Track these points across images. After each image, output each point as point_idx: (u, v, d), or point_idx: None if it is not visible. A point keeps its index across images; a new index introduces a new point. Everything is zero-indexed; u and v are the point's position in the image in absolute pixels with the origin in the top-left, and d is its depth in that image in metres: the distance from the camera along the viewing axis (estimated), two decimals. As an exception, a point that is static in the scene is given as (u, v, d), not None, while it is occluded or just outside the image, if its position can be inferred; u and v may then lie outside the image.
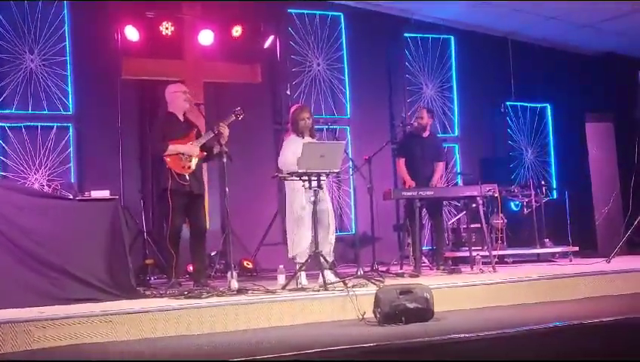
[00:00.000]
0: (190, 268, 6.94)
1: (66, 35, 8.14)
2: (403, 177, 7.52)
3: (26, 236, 5.23)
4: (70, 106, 8.13)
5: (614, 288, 6.26)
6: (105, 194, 5.71)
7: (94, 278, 5.36)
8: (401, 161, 7.60)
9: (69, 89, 8.14)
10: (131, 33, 8.00)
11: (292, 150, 6.21)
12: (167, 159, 6.05)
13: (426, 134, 7.64)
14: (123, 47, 8.01)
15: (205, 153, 6.28)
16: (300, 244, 6.18)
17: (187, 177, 6.07)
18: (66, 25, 8.15)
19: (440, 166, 7.75)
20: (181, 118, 6.30)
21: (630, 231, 7.61)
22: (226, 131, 6.10)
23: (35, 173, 7.88)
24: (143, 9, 8.04)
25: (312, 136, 6.45)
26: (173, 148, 6.08)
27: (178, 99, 6.28)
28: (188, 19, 8.31)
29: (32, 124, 7.93)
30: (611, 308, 5.46)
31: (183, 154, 6.09)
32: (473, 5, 9.17)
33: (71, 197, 5.64)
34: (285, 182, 6.37)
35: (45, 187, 7.64)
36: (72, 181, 7.82)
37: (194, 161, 6.15)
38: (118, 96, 8.02)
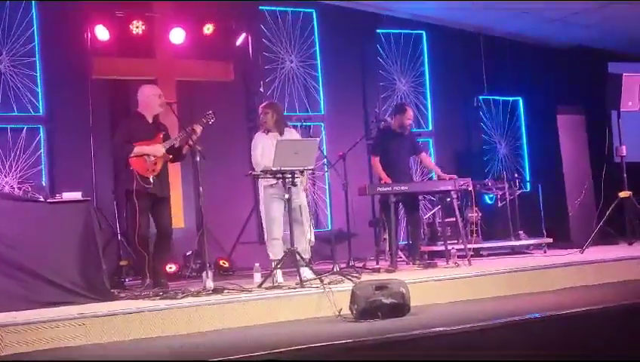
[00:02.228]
0: (166, 268, 6.91)
1: (35, 36, 8.03)
2: (379, 174, 7.51)
3: (-3, 240, 5.16)
4: (40, 107, 8.03)
5: (588, 278, 6.32)
6: (77, 196, 5.63)
7: (67, 281, 5.29)
8: (376, 159, 7.58)
9: (39, 90, 8.03)
10: (101, 33, 7.91)
11: (259, 149, 6.31)
12: (132, 161, 6.03)
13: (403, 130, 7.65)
14: (93, 46, 7.92)
15: (171, 156, 6.24)
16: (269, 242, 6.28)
17: (151, 180, 6.05)
18: (35, 25, 8.04)
19: (426, 156, 7.89)
20: (149, 119, 6.26)
21: (602, 221, 7.69)
22: (198, 129, 6.11)
23: (5, 176, 7.77)
24: (113, 8, 7.96)
25: (279, 132, 6.40)
26: (138, 149, 6.06)
27: (152, 103, 6.23)
28: (159, 17, 8.24)
29: (2, 125, 7.83)
30: (586, 298, 5.52)
31: (148, 155, 6.06)
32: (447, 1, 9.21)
33: (42, 199, 5.57)
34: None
35: (16, 190, 7.55)
36: (44, 183, 7.73)
37: (159, 164, 6.12)
38: (89, 96, 7.92)
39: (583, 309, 4.78)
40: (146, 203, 6.09)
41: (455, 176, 7.28)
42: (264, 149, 6.28)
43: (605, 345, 4.18)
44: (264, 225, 6.42)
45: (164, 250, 6.33)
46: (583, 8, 9.12)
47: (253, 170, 6.34)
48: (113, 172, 8.03)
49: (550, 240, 8.26)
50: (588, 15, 9.35)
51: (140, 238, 6.04)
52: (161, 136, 6.24)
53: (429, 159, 7.92)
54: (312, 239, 6.44)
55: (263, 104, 6.69)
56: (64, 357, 4.26)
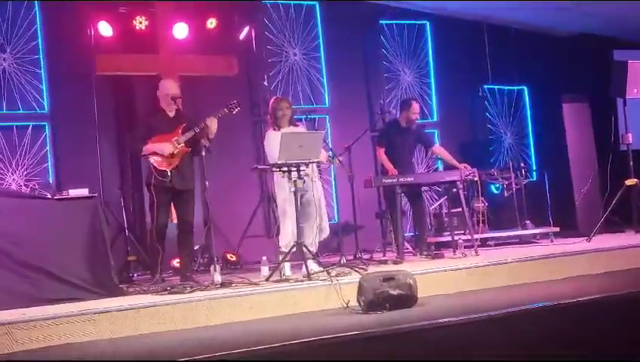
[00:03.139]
0: (174, 263, 6.92)
1: (38, 33, 8.02)
2: (384, 166, 7.52)
3: (4, 238, 5.17)
4: (45, 105, 8.04)
5: (595, 267, 6.33)
6: (84, 192, 5.66)
7: (76, 277, 5.32)
8: (382, 151, 7.59)
9: (44, 87, 8.03)
10: (104, 29, 7.90)
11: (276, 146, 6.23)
12: (149, 154, 6.01)
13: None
14: (97, 43, 7.91)
15: (190, 148, 6.21)
16: (285, 236, 6.20)
17: (168, 173, 6.01)
18: (38, 22, 8.03)
19: (440, 148, 7.86)
20: (170, 114, 6.24)
21: (609, 210, 7.68)
22: (213, 125, 6.02)
23: (12, 174, 7.79)
24: (116, 5, 7.96)
25: (292, 125, 6.45)
26: (147, 147, 6.03)
27: (166, 100, 6.21)
28: (161, 13, 8.22)
29: (7, 124, 7.83)
30: (593, 286, 5.52)
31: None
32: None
33: (49, 196, 5.58)
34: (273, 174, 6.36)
35: (23, 187, 7.57)
36: (50, 180, 7.75)
37: (177, 158, 6.08)
38: (94, 92, 7.92)
39: (591, 297, 4.78)
40: (164, 196, 6.06)
41: (467, 165, 7.26)
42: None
43: (613, 333, 4.18)
44: (282, 217, 6.35)
45: (186, 243, 6.26)
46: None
47: (260, 163, 6.35)
48: (119, 166, 8.06)
49: (557, 229, 8.24)
50: (591, 2, 9.28)
51: (156, 232, 6.03)
52: (181, 129, 6.13)
53: (444, 151, 7.79)
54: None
55: (279, 98, 6.67)
56: (66, 357, 4.28)
